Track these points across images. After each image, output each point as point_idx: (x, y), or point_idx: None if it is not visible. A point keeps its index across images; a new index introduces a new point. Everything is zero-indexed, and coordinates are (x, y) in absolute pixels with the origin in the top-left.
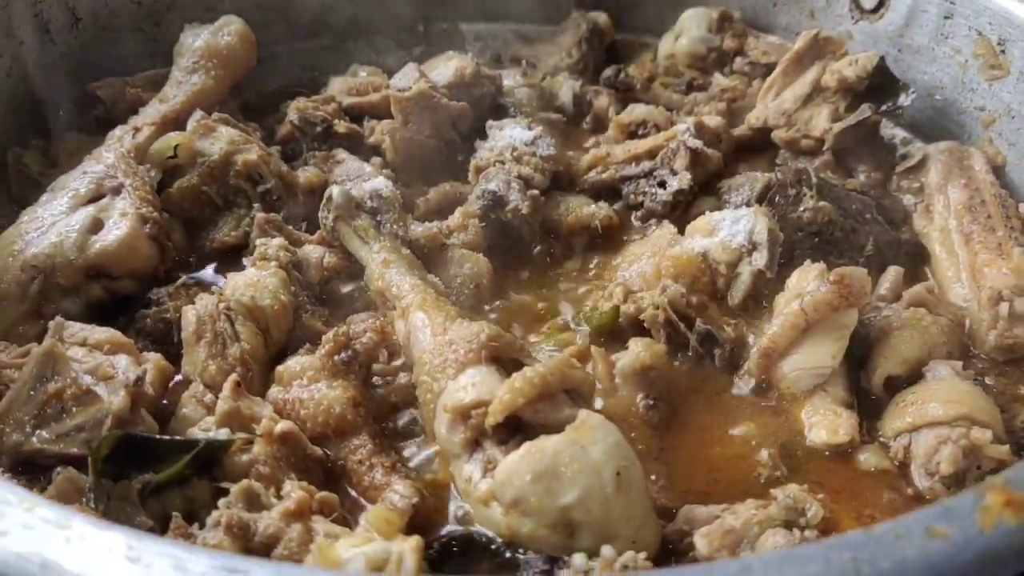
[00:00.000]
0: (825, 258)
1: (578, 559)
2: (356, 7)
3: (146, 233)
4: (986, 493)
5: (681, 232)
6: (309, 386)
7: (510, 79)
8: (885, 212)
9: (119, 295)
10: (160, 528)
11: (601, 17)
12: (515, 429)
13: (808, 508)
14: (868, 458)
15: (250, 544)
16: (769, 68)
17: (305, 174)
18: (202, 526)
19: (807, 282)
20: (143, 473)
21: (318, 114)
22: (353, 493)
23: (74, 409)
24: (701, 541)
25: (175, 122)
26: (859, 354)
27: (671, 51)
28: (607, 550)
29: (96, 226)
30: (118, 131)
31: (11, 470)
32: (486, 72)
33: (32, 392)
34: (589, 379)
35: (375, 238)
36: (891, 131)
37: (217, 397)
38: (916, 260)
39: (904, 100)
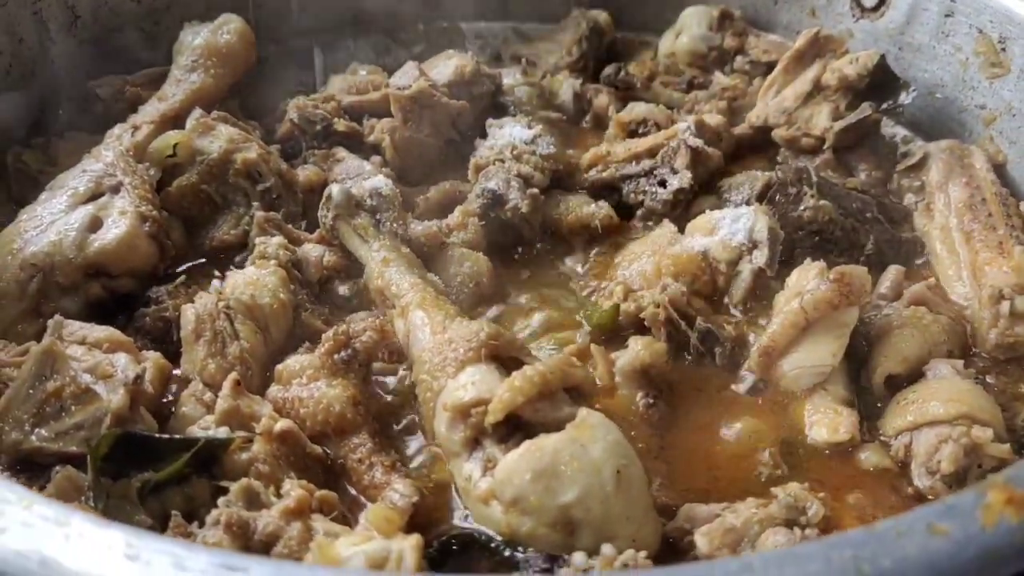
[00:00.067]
0: (825, 256)
1: (578, 557)
2: (356, 5)
3: (145, 231)
4: (987, 491)
5: (681, 231)
6: (309, 384)
7: (510, 77)
8: (886, 211)
9: (118, 293)
10: (159, 527)
11: (601, 15)
12: (515, 428)
13: (809, 506)
14: (869, 457)
15: (250, 542)
16: (770, 66)
17: (305, 172)
18: (201, 524)
19: (807, 280)
20: (142, 471)
21: (318, 112)
22: (353, 491)
23: (73, 407)
24: (702, 540)
25: (174, 120)
26: (860, 353)
27: (671, 49)
28: (607, 548)
29: (95, 224)
30: (117, 129)
31: (10, 468)
32: (486, 70)
33: (31, 390)
34: (589, 377)
35: (375, 237)
36: (892, 129)
37: (216, 395)
38: (916, 259)
39: (905, 98)
